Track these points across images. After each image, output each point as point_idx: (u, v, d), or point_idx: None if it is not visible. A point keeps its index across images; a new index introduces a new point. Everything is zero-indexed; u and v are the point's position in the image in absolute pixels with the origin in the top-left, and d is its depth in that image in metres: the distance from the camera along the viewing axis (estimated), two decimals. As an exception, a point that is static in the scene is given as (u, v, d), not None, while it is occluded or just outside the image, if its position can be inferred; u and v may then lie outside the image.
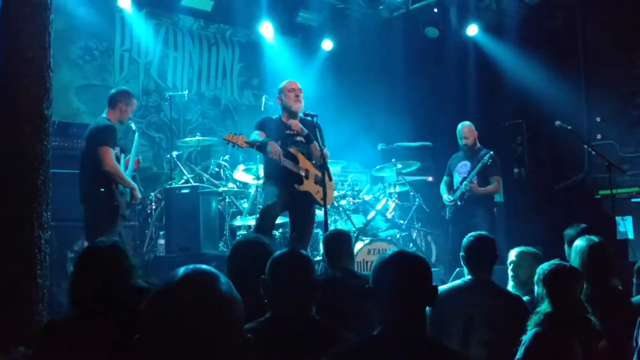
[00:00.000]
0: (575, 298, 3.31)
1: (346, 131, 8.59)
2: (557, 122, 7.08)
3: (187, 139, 8.40)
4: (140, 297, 1.43)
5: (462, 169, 7.63)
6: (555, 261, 3.46)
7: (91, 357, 2.43)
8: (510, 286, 4.41)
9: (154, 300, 1.37)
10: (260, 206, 6.24)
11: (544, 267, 3.39)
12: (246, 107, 10.42)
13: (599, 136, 9.11)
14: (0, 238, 4.38)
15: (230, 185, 7.91)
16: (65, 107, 8.18)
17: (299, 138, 6.02)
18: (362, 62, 10.71)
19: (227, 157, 8.25)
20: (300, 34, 10.79)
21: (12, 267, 4.32)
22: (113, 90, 6.38)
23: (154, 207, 7.86)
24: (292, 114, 6.06)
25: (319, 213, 6.29)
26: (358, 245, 7.15)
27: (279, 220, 6.70)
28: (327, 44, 10.34)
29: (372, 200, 8.11)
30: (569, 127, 7.09)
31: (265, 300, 2.63)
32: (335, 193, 7.35)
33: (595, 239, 4.05)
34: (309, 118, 5.87)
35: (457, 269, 5.56)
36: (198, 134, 8.43)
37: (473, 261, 3.93)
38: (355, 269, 6.17)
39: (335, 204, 7.62)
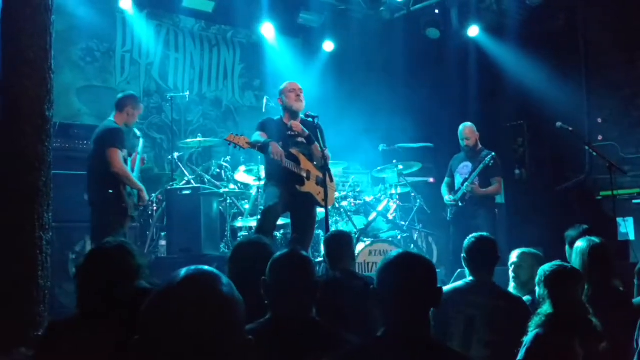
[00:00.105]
0: (576, 299, 3.31)
1: (347, 132, 8.59)
2: (558, 123, 7.08)
3: (189, 140, 8.40)
4: (142, 298, 1.43)
5: (463, 170, 7.63)
6: (557, 262, 3.46)
7: (92, 357, 2.43)
8: (512, 287, 4.42)
9: (155, 300, 1.37)
10: (262, 207, 6.25)
11: (546, 268, 3.39)
12: (247, 108, 10.42)
13: (600, 137, 9.11)
14: (1, 239, 4.39)
15: (232, 186, 7.91)
16: (67, 109, 8.18)
17: (300, 139, 6.03)
18: (363, 63, 10.71)
19: (228, 158, 8.25)
20: (301, 35, 10.79)
21: (13, 268, 4.33)
22: (120, 95, 6.49)
23: (155, 208, 7.86)
24: (294, 114, 6.06)
25: (320, 211, 6.28)
26: (359, 247, 7.15)
27: (280, 222, 6.70)
28: (329, 45, 10.34)
29: (374, 201, 8.12)
30: (570, 128, 7.08)
31: (266, 302, 2.63)
32: (337, 194, 7.35)
33: (596, 240, 4.05)
34: (310, 119, 5.87)
35: (459, 270, 5.56)
36: (199, 135, 8.42)
37: (474, 262, 3.93)
38: (357, 270, 6.17)
39: (337, 205, 7.62)
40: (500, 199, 8.72)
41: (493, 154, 7.42)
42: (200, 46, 10.01)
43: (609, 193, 7.22)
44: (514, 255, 4.48)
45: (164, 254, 7.34)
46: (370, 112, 10.04)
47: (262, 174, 7.00)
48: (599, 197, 8.66)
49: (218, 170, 8.18)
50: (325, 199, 5.60)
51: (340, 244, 4.49)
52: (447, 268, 7.66)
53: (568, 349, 3.11)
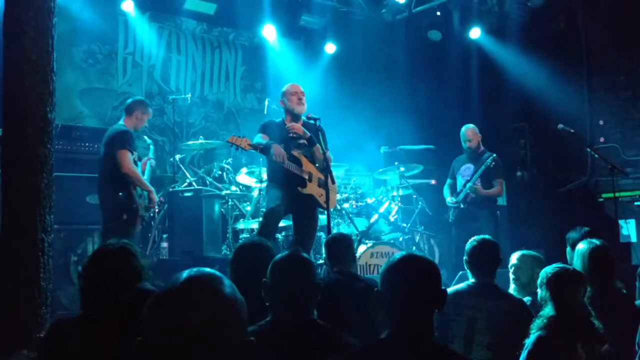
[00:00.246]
0: (578, 301, 3.30)
1: (349, 134, 8.59)
2: (560, 125, 7.08)
3: (190, 142, 8.40)
4: (144, 299, 1.44)
5: (465, 172, 7.63)
6: (558, 264, 3.45)
7: (94, 359, 2.43)
8: (512, 289, 4.43)
9: (158, 302, 1.37)
10: (263, 209, 6.24)
11: (548, 270, 3.39)
12: (249, 111, 10.42)
13: (601, 139, 9.11)
14: (3, 241, 4.40)
15: (233, 188, 7.92)
16: (69, 111, 8.19)
17: (302, 141, 6.03)
18: (365, 65, 10.72)
19: (230, 160, 8.25)
20: (303, 37, 10.78)
21: (15, 270, 4.33)
22: (130, 100, 6.64)
23: (157, 210, 7.86)
24: (295, 117, 6.07)
25: (322, 217, 6.29)
26: (361, 249, 7.15)
27: (282, 224, 6.71)
28: (330, 47, 10.34)
29: (375, 203, 8.12)
30: (572, 130, 7.08)
31: (267, 304, 2.63)
32: (338, 196, 7.35)
33: (597, 242, 4.05)
34: (312, 121, 5.87)
35: (460, 272, 5.56)
36: (201, 137, 8.43)
37: (476, 265, 3.93)
38: (359, 272, 6.17)
39: (338, 207, 7.62)
40: (502, 201, 8.72)
41: (495, 155, 7.42)
42: (202, 48, 10.02)
43: (611, 195, 7.22)
44: (514, 257, 4.50)
45: (166, 256, 7.35)
46: (372, 114, 10.04)
47: (264, 176, 7.00)
48: (601, 199, 8.66)
49: (220, 172, 8.18)
50: (327, 201, 5.60)
51: (341, 246, 4.49)
52: (449, 270, 7.64)
53: (570, 351, 3.10)
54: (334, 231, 6.69)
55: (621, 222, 7.87)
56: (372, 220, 7.88)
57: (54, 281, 4.69)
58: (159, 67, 9.56)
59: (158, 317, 1.35)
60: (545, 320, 3.21)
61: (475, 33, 9.77)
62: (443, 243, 8.61)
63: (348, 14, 10.26)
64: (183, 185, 7.73)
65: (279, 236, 7.26)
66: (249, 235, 7.39)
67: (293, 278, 2.64)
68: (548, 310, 3.25)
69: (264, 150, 5.79)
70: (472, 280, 3.94)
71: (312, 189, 5.94)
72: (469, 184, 7.40)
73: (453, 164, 7.92)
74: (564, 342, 3.13)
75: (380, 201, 8.15)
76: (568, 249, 5.15)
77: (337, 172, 7.75)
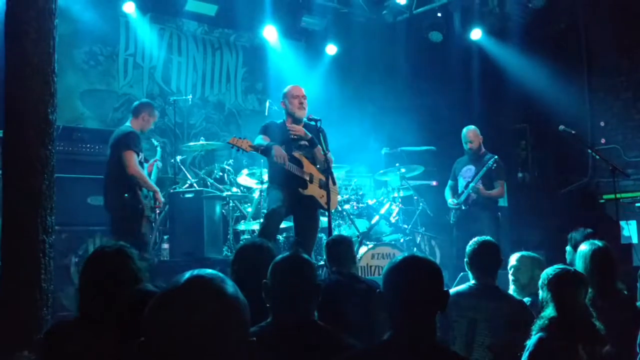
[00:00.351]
0: (579, 303, 3.30)
1: (350, 135, 8.59)
2: (561, 127, 7.07)
3: (191, 144, 8.40)
4: (146, 300, 1.44)
5: (466, 173, 7.63)
6: (560, 266, 3.46)
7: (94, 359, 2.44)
8: (512, 290, 4.43)
9: (160, 302, 1.37)
10: (264, 210, 6.24)
11: (549, 271, 3.39)
12: (250, 112, 10.42)
13: (602, 140, 9.11)
14: (5, 242, 4.40)
15: (234, 189, 7.91)
16: (70, 112, 8.20)
17: (303, 142, 6.02)
18: (366, 66, 10.71)
19: (231, 161, 8.25)
20: (304, 38, 10.79)
21: (16, 272, 4.33)
22: (137, 102, 6.76)
23: (157, 211, 7.86)
24: (296, 121, 6.07)
25: (323, 218, 6.29)
26: (362, 250, 7.14)
27: (283, 225, 6.70)
28: (331, 49, 10.34)
29: (376, 204, 8.11)
30: (573, 132, 7.08)
31: (267, 305, 2.63)
32: (339, 197, 7.35)
33: (599, 243, 4.05)
34: (313, 122, 5.87)
35: (462, 274, 5.56)
36: (202, 138, 8.43)
37: (477, 266, 3.93)
38: (360, 274, 6.17)
39: (339, 209, 7.61)
40: (503, 202, 8.71)
41: (496, 157, 7.42)
42: (202, 50, 10.02)
43: (612, 196, 7.22)
44: (513, 259, 4.51)
45: (167, 257, 7.35)
46: (373, 115, 10.05)
47: (265, 177, 7.00)
48: (602, 201, 8.66)
49: (221, 174, 8.18)
50: (328, 202, 5.61)
51: (341, 247, 4.49)
52: (450, 271, 7.64)
53: (571, 352, 3.10)
54: (335, 232, 6.70)
55: (622, 223, 7.86)
56: (373, 222, 7.87)
57: (55, 282, 4.69)
58: (160, 69, 9.57)
59: (160, 318, 1.35)
60: (546, 322, 3.20)
61: (476, 34, 9.77)
62: (444, 244, 8.60)
63: (349, 15, 10.26)
64: (184, 187, 7.73)
65: (280, 237, 7.26)
66: (250, 237, 7.39)
67: (293, 279, 2.64)
68: (549, 312, 3.25)
69: (265, 151, 5.79)
70: (473, 281, 3.94)
71: (313, 190, 5.94)
72: (470, 186, 7.40)
73: (454, 166, 7.92)
74: (565, 343, 3.13)
75: (381, 202, 8.15)
76: (568, 248, 5.16)
77: (338, 173, 7.75)
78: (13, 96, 4.48)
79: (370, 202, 8.10)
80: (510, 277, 4.48)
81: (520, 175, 9.80)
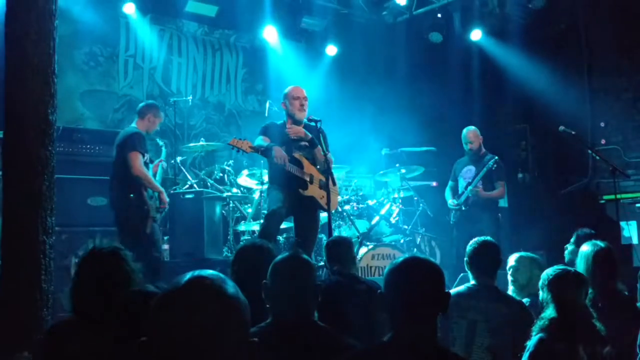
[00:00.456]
0: (579, 303, 3.30)
1: (350, 136, 8.59)
2: (561, 127, 7.07)
3: (191, 144, 8.41)
4: (145, 301, 1.44)
5: (467, 173, 7.63)
6: (560, 266, 3.46)
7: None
8: (511, 290, 4.43)
9: (160, 303, 1.37)
10: (265, 211, 6.24)
11: (549, 272, 3.39)
12: (250, 113, 10.43)
13: (603, 141, 9.11)
14: (5, 243, 4.40)
15: (234, 190, 7.92)
16: (70, 113, 8.21)
17: (303, 143, 6.02)
18: (366, 67, 10.72)
19: (231, 162, 8.26)
20: (304, 39, 10.80)
21: (16, 272, 4.33)
22: (142, 103, 6.81)
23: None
24: (296, 122, 6.07)
25: (323, 215, 6.29)
26: (362, 251, 7.14)
27: (283, 225, 6.70)
28: (331, 49, 10.35)
29: (376, 205, 8.11)
30: (573, 132, 7.08)
31: (267, 305, 2.63)
32: (339, 198, 7.35)
33: (600, 244, 4.05)
34: (313, 123, 5.87)
35: (461, 274, 5.56)
36: (202, 139, 8.44)
37: (477, 267, 3.93)
38: (360, 274, 6.16)
39: (340, 209, 7.61)
40: (503, 203, 8.70)
41: (496, 157, 7.42)
42: (203, 50, 10.03)
43: (612, 197, 7.21)
44: (511, 259, 4.52)
45: (167, 258, 7.35)
46: (373, 116, 10.04)
47: (265, 178, 7.00)
48: (602, 201, 8.65)
49: (221, 174, 8.19)
50: (328, 203, 5.61)
51: (341, 248, 4.49)
52: (450, 272, 7.64)
53: (571, 353, 3.10)
54: (335, 233, 6.70)
55: (622, 224, 7.85)
56: (373, 222, 7.87)
57: (55, 283, 4.68)
58: (160, 70, 9.58)
59: (160, 319, 1.35)
60: (546, 322, 3.20)
61: (476, 35, 9.77)
62: (444, 245, 8.60)
63: (349, 16, 10.27)
64: (184, 188, 7.73)
65: (280, 238, 7.26)
66: (250, 237, 7.39)
67: (293, 280, 2.64)
68: (549, 312, 3.24)
69: (265, 152, 5.79)
70: (472, 282, 3.93)
71: (314, 190, 5.94)
72: (470, 186, 7.39)
73: (454, 166, 7.91)
74: (565, 343, 3.13)
75: (382, 203, 8.15)
76: (570, 246, 5.16)
77: (338, 173, 7.75)
78: (13, 97, 4.48)
79: (371, 203, 8.10)
80: (509, 278, 4.48)
81: (520, 175, 9.79)
